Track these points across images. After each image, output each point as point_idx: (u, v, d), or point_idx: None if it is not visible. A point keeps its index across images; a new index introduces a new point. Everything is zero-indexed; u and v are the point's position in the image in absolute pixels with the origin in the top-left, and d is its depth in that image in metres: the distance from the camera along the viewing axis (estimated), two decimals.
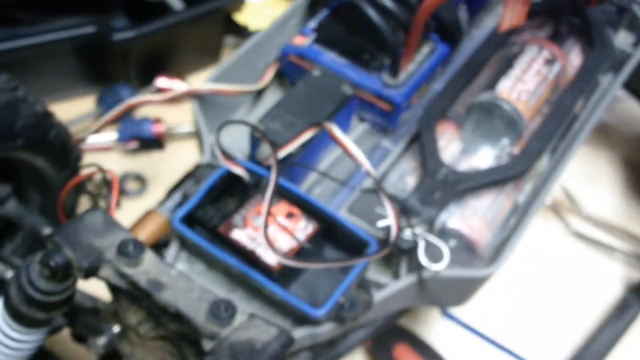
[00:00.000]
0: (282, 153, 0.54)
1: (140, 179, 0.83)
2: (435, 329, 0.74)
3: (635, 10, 0.67)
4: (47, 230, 0.62)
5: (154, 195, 0.81)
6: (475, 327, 0.73)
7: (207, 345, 0.43)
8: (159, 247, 0.68)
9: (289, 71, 0.65)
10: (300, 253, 0.52)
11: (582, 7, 0.65)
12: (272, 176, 0.49)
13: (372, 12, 0.59)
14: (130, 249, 0.45)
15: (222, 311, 0.43)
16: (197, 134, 0.62)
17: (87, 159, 0.77)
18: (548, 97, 0.61)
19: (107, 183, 0.79)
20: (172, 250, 0.55)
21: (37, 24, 0.87)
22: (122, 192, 0.80)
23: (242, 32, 0.93)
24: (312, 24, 0.65)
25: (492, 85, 0.60)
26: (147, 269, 0.46)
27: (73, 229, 0.46)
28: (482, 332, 0.73)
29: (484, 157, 0.59)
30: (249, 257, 0.52)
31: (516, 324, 0.75)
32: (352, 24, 0.61)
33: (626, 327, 0.73)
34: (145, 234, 0.69)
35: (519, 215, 0.57)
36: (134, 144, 0.83)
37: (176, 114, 0.89)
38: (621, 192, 0.85)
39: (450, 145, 0.59)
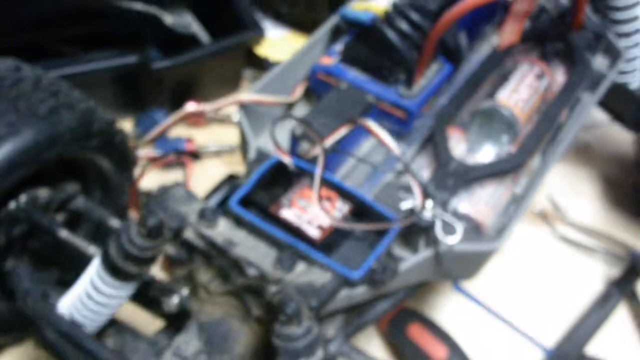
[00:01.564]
0: (325, 143, 0.64)
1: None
2: (444, 310, 0.83)
3: (609, 37, 0.79)
4: (114, 221, 0.70)
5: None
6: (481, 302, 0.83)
7: (274, 288, 0.52)
8: None
9: (317, 87, 0.75)
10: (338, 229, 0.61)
11: (565, 33, 0.76)
12: (321, 160, 0.59)
13: (392, 35, 0.69)
14: (208, 214, 0.54)
15: (285, 260, 0.52)
16: (241, 138, 0.72)
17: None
18: (538, 107, 0.72)
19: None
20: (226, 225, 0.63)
21: (77, 56, 0.96)
22: None
23: (261, 65, 1.03)
24: (337, 46, 0.75)
25: (492, 95, 0.71)
26: (221, 230, 0.55)
27: (162, 199, 0.55)
28: (486, 305, 0.83)
29: (487, 154, 0.69)
30: (295, 232, 0.61)
31: (513, 310, 0.84)
32: (374, 45, 0.72)
33: (608, 314, 0.83)
34: None
35: (517, 203, 0.67)
36: (173, 157, 0.92)
37: (202, 134, 0.98)
38: (600, 203, 0.96)
39: (457, 147, 0.69)
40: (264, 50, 1.02)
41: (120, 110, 0.99)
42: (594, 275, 0.88)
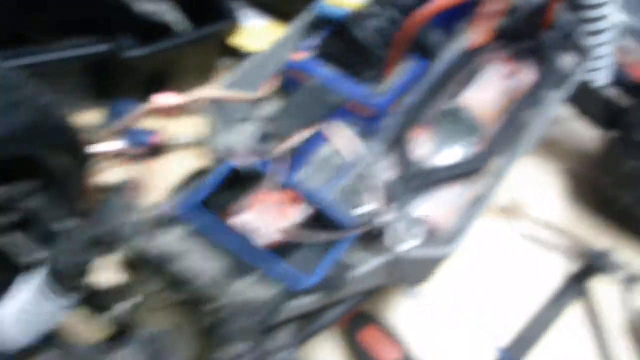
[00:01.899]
0: (284, 146, 0.62)
1: (136, 186, 0.89)
2: (400, 311, 0.82)
3: (577, 36, 0.76)
4: (61, 225, 0.68)
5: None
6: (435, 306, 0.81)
7: (214, 304, 0.50)
8: None
9: (288, 84, 0.73)
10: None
11: (536, 32, 0.74)
12: (278, 163, 0.56)
13: (363, 31, 0.67)
14: (148, 226, 0.52)
15: (233, 271, 0.50)
16: (210, 133, 0.69)
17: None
18: (507, 107, 0.70)
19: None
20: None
21: (48, 44, 0.94)
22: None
23: (236, 54, 1.01)
24: (310, 42, 0.73)
25: (456, 94, 0.68)
26: (163, 242, 0.53)
27: (104, 209, 0.52)
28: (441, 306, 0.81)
29: (452, 155, 0.67)
30: (249, 238, 0.59)
31: (471, 307, 0.83)
32: (347, 41, 0.70)
33: (561, 311, 0.82)
34: None
35: (474, 205, 0.65)
36: (141, 149, 0.89)
37: (175, 126, 0.96)
38: (564, 199, 0.94)
39: (424, 146, 0.68)
40: (242, 39, 0.99)
41: (91, 100, 0.96)
42: (554, 272, 0.88)
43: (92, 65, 0.93)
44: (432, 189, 0.64)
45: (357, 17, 0.68)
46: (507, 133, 0.67)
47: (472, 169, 0.64)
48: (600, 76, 0.83)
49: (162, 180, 0.89)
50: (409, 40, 0.65)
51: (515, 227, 0.91)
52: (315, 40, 0.73)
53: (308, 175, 0.67)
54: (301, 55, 0.72)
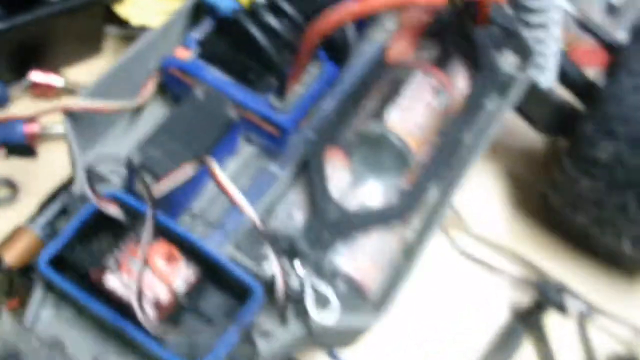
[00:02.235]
0: (161, 188, 0.49)
1: (11, 185, 0.75)
2: None
3: (520, 33, 0.65)
4: None
5: (27, 203, 0.73)
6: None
7: None
8: (29, 271, 0.62)
9: (171, 85, 0.60)
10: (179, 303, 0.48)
11: (467, 29, 0.62)
12: (149, 219, 0.44)
13: (255, 31, 0.54)
14: None
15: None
16: (69, 155, 0.56)
17: None
18: (436, 127, 0.58)
19: None
20: (38, 293, 0.49)
21: None
22: None
23: (125, 23, 0.86)
24: (196, 34, 0.59)
25: (380, 113, 0.56)
26: (1, 335, 0.40)
27: None
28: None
29: (373, 191, 0.55)
30: (123, 308, 0.47)
31: (403, 344, 0.72)
32: (236, 42, 0.56)
33: (511, 353, 0.72)
34: (14, 255, 0.62)
35: (406, 255, 0.55)
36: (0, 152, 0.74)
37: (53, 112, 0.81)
38: (506, 206, 0.83)
39: (338, 175, 0.56)
40: (125, 9, 0.83)
41: None
42: (499, 302, 0.77)
43: None
44: (351, 237, 0.52)
45: (251, 12, 0.55)
46: (442, 160, 0.56)
47: (402, 212, 0.53)
48: (546, 77, 0.71)
49: (40, 177, 0.76)
50: (315, 49, 0.52)
51: (453, 242, 0.80)
52: (199, 32, 0.59)
53: (196, 219, 0.55)
54: (186, 53, 0.58)
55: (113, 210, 0.47)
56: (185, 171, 0.47)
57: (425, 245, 0.54)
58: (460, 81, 0.61)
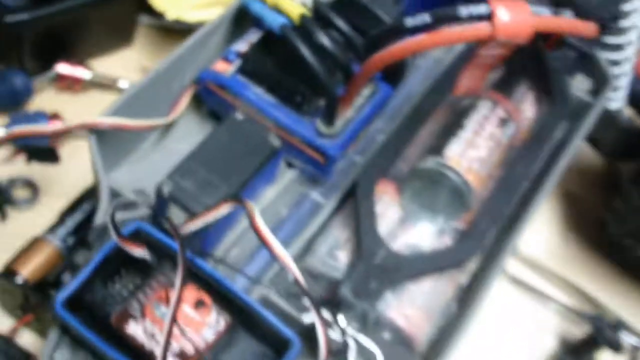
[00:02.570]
0: (191, 226, 0.44)
1: (31, 186, 0.70)
2: None
3: (597, 57, 0.59)
4: None
5: (48, 206, 0.69)
6: None
7: None
8: (46, 285, 0.58)
9: (208, 99, 0.55)
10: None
11: (538, 51, 0.56)
12: (180, 266, 0.39)
13: (305, 51, 0.48)
14: None
15: None
16: (93, 174, 0.51)
17: None
18: (500, 162, 0.52)
19: None
20: (53, 335, 0.44)
21: None
22: (9, 202, 0.68)
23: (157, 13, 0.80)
24: (238, 46, 0.54)
25: (438, 147, 0.51)
26: None
27: None
28: None
29: (425, 232, 0.50)
30: (144, 357, 0.42)
31: None
32: (283, 59, 0.51)
33: None
34: (31, 268, 0.58)
35: (461, 304, 0.49)
36: (20, 155, 0.70)
37: (77, 106, 0.76)
38: (560, 229, 0.77)
39: (388, 212, 0.50)
40: (162, 1, 0.78)
41: None
42: (548, 329, 0.71)
43: None
44: (401, 284, 0.47)
45: (301, 29, 0.49)
46: (506, 198, 0.50)
47: (459, 260, 0.48)
48: (616, 98, 0.65)
49: (62, 178, 0.72)
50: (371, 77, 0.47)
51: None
52: (242, 44, 0.54)
53: (235, 242, 0.50)
54: (225, 66, 0.53)
55: (138, 252, 0.43)
56: (220, 211, 0.42)
57: (485, 293, 0.48)
58: (527, 109, 0.55)
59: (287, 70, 0.50)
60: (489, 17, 0.38)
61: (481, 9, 0.37)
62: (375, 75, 0.53)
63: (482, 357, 0.68)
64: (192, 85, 0.55)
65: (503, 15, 0.37)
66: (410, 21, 0.39)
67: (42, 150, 0.69)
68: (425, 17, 0.38)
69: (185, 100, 0.54)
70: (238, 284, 0.47)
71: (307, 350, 0.45)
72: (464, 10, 0.37)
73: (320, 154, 0.51)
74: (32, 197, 0.70)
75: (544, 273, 0.73)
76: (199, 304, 0.44)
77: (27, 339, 0.60)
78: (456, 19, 0.38)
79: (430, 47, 0.39)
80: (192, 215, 0.45)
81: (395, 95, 0.56)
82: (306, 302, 0.41)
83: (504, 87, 0.55)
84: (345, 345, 0.43)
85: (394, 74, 0.53)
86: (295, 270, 0.39)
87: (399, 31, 0.39)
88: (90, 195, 0.65)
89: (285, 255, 0.39)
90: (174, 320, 0.37)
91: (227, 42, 0.56)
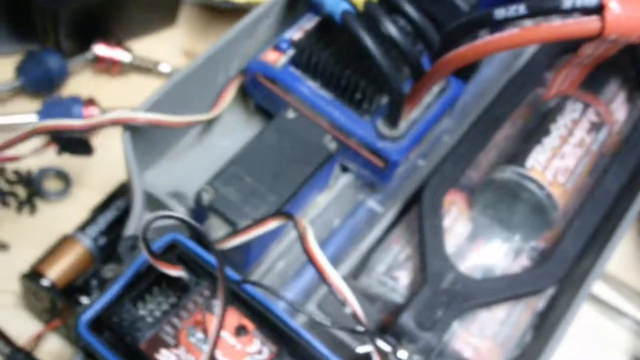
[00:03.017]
0: (235, 243, 0.39)
1: (63, 177, 0.66)
2: None
3: None
4: None
5: (80, 198, 0.65)
6: None
7: None
8: (74, 290, 0.54)
9: (255, 92, 0.49)
10: None
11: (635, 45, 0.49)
12: (221, 296, 0.34)
13: (369, 42, 0.42)
14: None
15: None
16: (127, 174, 0.46)
17: None
18: (590, 171, 0.46)
19: (22, 180, 0.64)
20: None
21: None
22: (40, 193, 0.64)
23: None
24: (291, 33, 0.49)
25: (519, 155, 0.45)
26: None
27: None
28: None
29: (499, 250, 0.44)
30: None
31: None
32: (342, 50, 0.45)
33: None
34: (59, 271, 0.55)
35: (540, 332, 0.43)
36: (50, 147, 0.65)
37: (115, 90, 0.72)
38: (635, 239, 0.71)
39: (456, 226, 0.45)
40: None
41: (2, 45, 0.72)
42: (621, 347, 0.65)
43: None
44: (471, 312, 0.42)
45: (365, 18, 0.43)
46: (595, 215, 0.44)
47: (540, 287, 0.42)
48: None
49: (95, 170, 0.67)
50: (447, 73, 0.41)
51: None
52: (295, 32, 0.48)
53: (279, 258, 0.45)
54: (276, 56, 0.48)
55: (173, 272, 0.37)
56: (267, 227, 0.37)
57: (568, 323, 0.42)
58: (618, 110, 0.49)
59: (346, 62, 0.45)
60: (598, 10, 0.32)
61: (590, 0, 0.31)
62: None
63: None
64: (239, 77, 0.50)
65: (615, 8, 0.31)
66: (500, 12, 0.33)
67: (75, 142, 0.64)
68: (519, 8, 0.32)
69: (230, 93, 0.49)
70: (282, 305, 0.42)
71: None
72: (567, 2, 0.31)
73: (380, 158, 0.45)
74: (63, 189, 0.66)
75: (618, 287, 0.67)
76: (240, 331, 0.39)
77: (54, 344, 0.56)
78: (557, 12, 0.32)
79: (525, 44, 0.33)
80: (234, 227, 0.40)
81: (466, 95, 0.50)
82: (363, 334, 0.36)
83: (593, 85, 0.48)
84: None
85: (466, 67, 0.47)
86: (354, 304, 0.34)
87: (486, 23, 0.33)
88: (124, 190, 0.61)
89: (344, 288, 0.34)
90: (213, 358, 0.32)
91: (279, 28, 0.51)
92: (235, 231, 0.38)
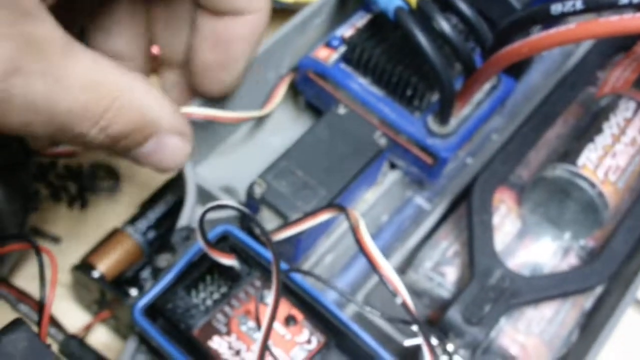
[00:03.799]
0: (286, 234, 0.40)
1: (113, 173, 0.68)
2: None
3: None
4: None
5: (129, 194, 0.67)
6: None
7: None
8: (123, 282, 0.55)
9: (306, 89, 0.51)
10: None
11: None
12: (274, 285, 0.35)
13: (422, 39, 0.43)
14: None
15: None
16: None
17: None
18: None
19: (73, 175, 0.66)
20: (130, 346, 0.41)
21: None
22: (90, 189, 0.66)
23: None
24: (343, 30, 0.50)
25: (570, 153, 0.45)
26: None
27: None
28: None
29: (548, 248, 0.45)
30: None
31: None
32: (395, 46, 0.46)
33: None
34: (108, 263, 0.56)
35: (586, 331, 0.44)
36: None
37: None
38: None
39: (505, 224, 0.45)
40: None
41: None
42: None
43: None
44: (519, 309, 0.42)
45: (419, 14, 0.44)
46: None
47: (589, 285, 0.42)
48: None
49: (145, 170, 0.69)
50: (502, 69, 0.41)
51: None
52: (346, 29, 0.50)
53: (328, 252, 0.46)
54: (328, 53, 0.49)
55: (227, 261, 0.39)
56: (319, 219, 0.38)
57: (614, 323, 0.43)
58: None
59: (398, 59, 0.46)
60: None
61: None
62: None
63: None
64: (290, 74, 0.51)
65: None
66: (557, 7, 0.34)
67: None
68: (576, 3, 0.33)
69: (281, 90, 0.50)
70: (330, 296, 0.44)
71: None
72: None
73: (429, 154, 0.46)
74: (113, 185, 0.67)
75: None
76: (289, 321, 0.40)
77: (102, 336, 0.57)
78: (614, 7, 0.32)
79: (581, 40, 0.34)
80: (285, 220, 0.41)
81: (518, 93, 0.51)
82: (413, 327, 0.37)
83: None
84: None
85: (517, 65, 0.48)
86: (405, 295, 0.35)
87: (542, 19, 0.34)
88: (173, 185, 0.62)
89: (395, 279, 0.35)
90: (265, 347, 0.33)
91: (330, 26, 0.52)
92: (286, 223, 0.39)
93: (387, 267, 0.35)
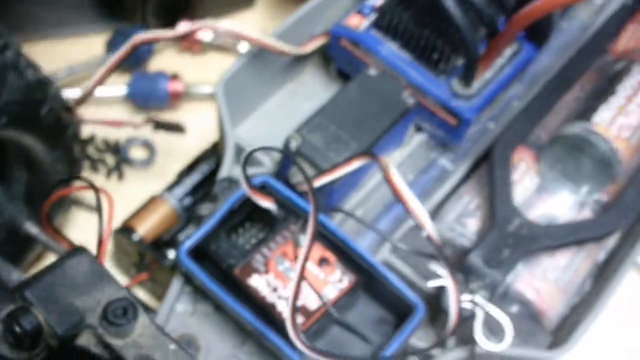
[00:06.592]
0: (320, 183, 0.45)
1: (148, 147, 0.74)
2: None
3: None
4: (29, 227, 0.54)
5: (163, 167, 0.72)
6: None
7: None
8: (161, 245, 0.61)
9: (339, 58, 0.56)
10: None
11: None
12: (311, 222, 0.40)
13: (450, 4, 0.48)
14: (119, 313, 0.37)
15: None
16: (219, 127, 0.54)
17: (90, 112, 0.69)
18: None
19: (111, 148, 0.72)
20: (176, 285, 0.47)
21: None
22: (127, 161, 0.72)
23: None
24: (373, 0, 0.55)
25: (586, 112, 0.50)
26: (138, 340, 0.38)
27: (49, 281, 0.38)
28: None
29: (564, 202, 0.50)
30: (267, 312, 0.44)
31: None
32: (423, 12, 0.51)
33: None
34: (147, 227, 0.61)
35: (598, 281, 0.49)
36: (147, 123, 0.73)
37: (196, 68, 0.79)
38: None
39: (524, 180, 0.51)
40: None
41: (93, 22, 0.80)
42: None
43: None
44: (535, 255, 0.47)
45: None
46: None
47: (601, 234, 0.47)
48: None
49: (178, 141, 0.75)
50: (523, 29, 0.47)
51: None
52: None
53: (360, 202, 0.52)
54: (359, 20, 0.54)
55: (266, 204, 0.44)
56: (351, 167, 0.44)
57: (624, 273, 0.48)
58: None
59: (425, 24, 0.51)
60: None
61: None
62: (519, 34, 0.53)
63: (603, 345, 0.65)
64: (323, 35, 0.56)
65: None
66: None
67: (168, 123, 0.73)
68: None
69: (315, 43, 0.55)
70: (362, 243, 0.49)
71: (427, 318, 0.46)
72: None
73: (453, 116, 0.51)
74: (148, 159, 0.73)
75: None
76: (322, 262, 0.46)
77: (140, 297, 0.62)
78: None
79: None
80: (319, 171, 0.47)
81: (534, 60, 0.56)
82: (438, 263, 0.42)
83: None
84: (472, 314, 0.44)
85: (539, 32, 0.53)
86: (429, 227, 0.40)
87: None
88: (208, 156, 0.67)
89: (421, 211, 0.40)
90: (301, 278, 0.39)
91: None
92: (322, 170, 0.45)
93: (414, 200, 0.40)
